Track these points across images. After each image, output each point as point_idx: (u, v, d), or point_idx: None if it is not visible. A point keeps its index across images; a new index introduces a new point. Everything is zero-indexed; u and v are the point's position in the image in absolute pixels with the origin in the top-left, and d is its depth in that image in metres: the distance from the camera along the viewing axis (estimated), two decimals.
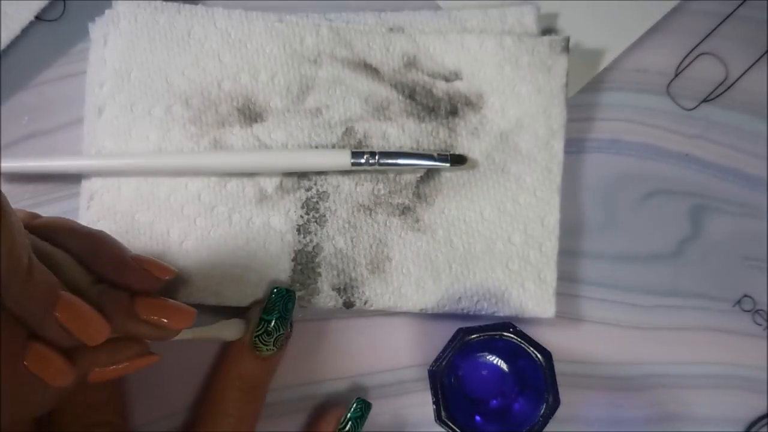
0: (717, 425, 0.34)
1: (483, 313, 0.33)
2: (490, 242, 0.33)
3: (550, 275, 0.33)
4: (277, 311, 0.31)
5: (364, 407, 0.31)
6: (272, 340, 0.30)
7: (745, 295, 0.35)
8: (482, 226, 0.33)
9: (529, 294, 0.33)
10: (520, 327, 0.29)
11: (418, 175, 0.33)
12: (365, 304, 0.33)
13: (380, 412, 0.34)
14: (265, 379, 0.32)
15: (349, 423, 0.31)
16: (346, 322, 0.34)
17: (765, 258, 0.35)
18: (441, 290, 0.33)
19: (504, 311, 0.33)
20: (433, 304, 0.33)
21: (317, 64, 0.33)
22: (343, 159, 0.32)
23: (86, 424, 0.30)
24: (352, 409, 0.31)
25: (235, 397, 0.31)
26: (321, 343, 0.34)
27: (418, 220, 0.33)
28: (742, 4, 0.35)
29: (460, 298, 0.33)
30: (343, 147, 0.33)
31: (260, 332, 0.30)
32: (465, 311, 0.33)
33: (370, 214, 0.33)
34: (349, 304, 0.33)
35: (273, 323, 0.30)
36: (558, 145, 0.33)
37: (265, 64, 0.33)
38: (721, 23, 0.35)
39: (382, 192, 0.33)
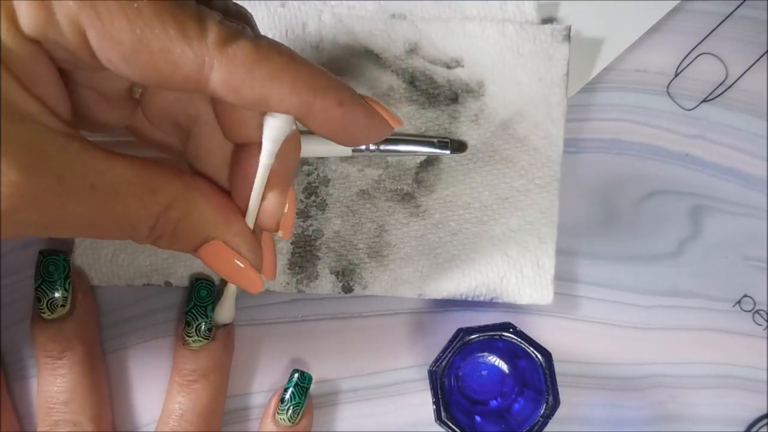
0: (717, 425, 0.34)
1: (481, 299, 0.33)
2: (489, 229, 0.33)
3: (549, 262, 0.33)
4: (191, 301, 0.31)
5: (299, 376, 0.32)
6: (193, 330, 0.31)
7: (745, 295, 0.35)
8: (481, 213, 0.33)
9: (527, 281, 0.33)
10: (520, 325, 0.29)
11: (418, 161, 0.33)
12: (364, 288, 0.33)
13: (380, 412, 0.34)
14: (207, 374, 0.31)
15: (288, 392, 0.31)
16: (346, 322, 0.34)
17: (765, 258, 0.35)
18: (439, 276, 0.33)
19: (502, 298, 0.33)
20: (432, 290, 0.33)
21: (319, 50, 0.33)
22: (344, 147, 0.32)
23: (48, 423, 0.30)
24: (287, 380, 0.32)
25: (175, 392, 0.31)
26: (321, 343, 0.34)
27: (417, 206, 0.33)
28: (742, 4, 0.35)
29: (458, 284, 0.33)
30: None
31: (184, 324, 0.31)
32: (463, 297, 0.33)
33: (371, 200, 0.33)
34: (347, 289, 0.33)
35: (188, 313, 0.31)
36: (558, 133, 0.33)
37: None
38: (721, 23, 0.35)
39: (383, 178, 0.33)
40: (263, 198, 0.24)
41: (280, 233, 0.26)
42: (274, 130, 0.22)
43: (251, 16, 0.22)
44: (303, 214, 0.33)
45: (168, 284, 0.33)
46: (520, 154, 0.33)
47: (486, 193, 0.33)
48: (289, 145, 0.23)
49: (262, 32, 0.32)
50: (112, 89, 0.23)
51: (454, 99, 0.33)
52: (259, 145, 0.23)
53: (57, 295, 0.30)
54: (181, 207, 0.22)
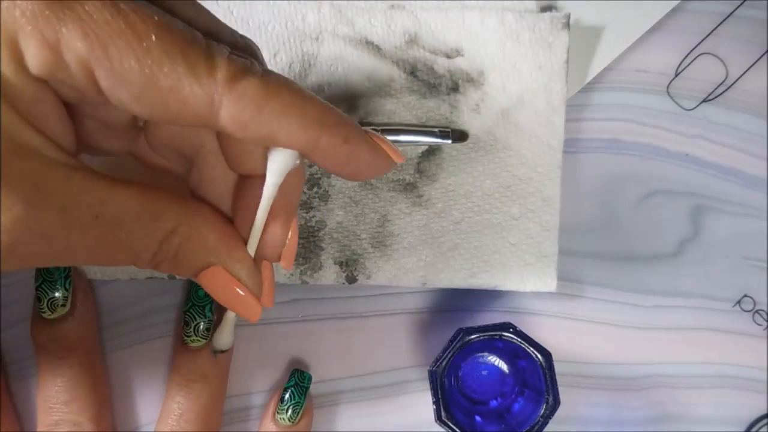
0: (717, 425, 0.34)
1: (484, 287, 0.33)
2: (491, 217, 0.33)
3: (551, 249, 0.33)
4: (190, 301, 0.31)
5: (299, 376, 0.32)
6: (191, 330, 0.31)
7: (745, 295, 0.35)
8: (483, 201, 0.33)
9: (530, 268, 0.33)
10: (521, 325, 0.29)
11: (420, 151, 0.33)
12: (368, 279, 0.33)
13: (380, 412, 0.34)
14: (206, 374, 0.31)
15: (288, 392, 0.32)
16: (346, 322, 0.34)
17: (765, 258, 0.35)
18: (443, 265, 0.33)
19: (506, 286, 0.33)
20: (435, 279, 0.33)
21: (319, 42, 0.33)
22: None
23: (49, 422, 0.30)
24: (287, 380, 0.32)
25: (174, 392, 0.31)
26: (321, 343, 0.34)
27: (420, 196, 0.33)
28: (742, 4, 0.35)
29: (461, 272, 0.33)
30: None
31: (183, 324, 0.31)
32: (466, 286, 0.33)
33: (373, 190, 0.33)
34: (351, 279, 0.33)
35: (187, 313, 0.31)
36: (559, 121, 0.33)
37: (267, 42, 0.33)
38: (721, 23, 0.35)
39: None
40: (265, 229, 0.24)
41: (282, 264, 0.25)
42: (279, 163, 0.22)
43: (258, 48, 0.22)
44: (306, 206, 0.33)
45: (171, 277, 0.33)
46: (521, 143, 0.33)
47: (488, 182, 0.33)
48: (293, 177, 0.23)
49: (262, 25, 0.33)
50: (116, 120, 0.23)
51: (455, 88, 0.33)
52: (263, 176, 0.23)
53: (57, 294, 0.30)
54: (184, 232, 0.22)
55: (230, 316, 0.28)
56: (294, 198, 0.24)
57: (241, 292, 0.23)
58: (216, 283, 0.23)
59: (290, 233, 0.25)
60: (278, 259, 0.25)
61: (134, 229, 0.21)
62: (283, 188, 0.23)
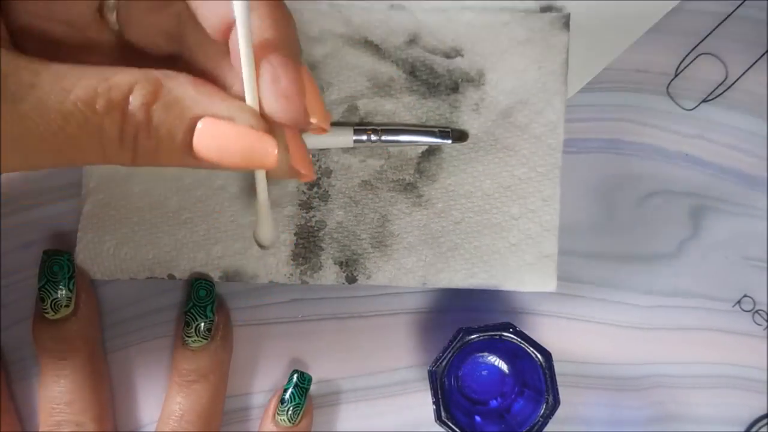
0: (717, 425, 0.34)
1: (484, 287, 0.33)
2: (491, 217, 0.33)
3: (551, 249, 0.33)
4: (190, 301, 0.31)
5: (299, 377, 0.32)
6: (192, 330, 0.31)
7: (745, 295, 0.35)
8: (483, 201, 0.33)
9: (530, 268, 0.33)
10: (521, 325, 0.29)
11: (420, 151, 0.33)
12: (368, 279, 0.33)
13: (380, 412, 0.34)
14: (206, 375, 0.31)
15: (288, 392, 0.32)
16: (346, 322, 0.34)
17: (765, 258, 0.35)
18: (443, 265, 0.33)
19: (505, 285, 0.33)
20: (435, 279, 0.33)
21: (318, 42, 0.33)
22: (346, 137, 0.32)
23: (51, 423, 0.30)
24: (287, 380, 0.32)
25: (175, 392, 0.31)
26: (321, 343, 0.34)
27: (420, 196, 0.33)
28: (742, 4, 0.35)
29: (461, 272, 0.33)
30: (346, 125, 0.33)
31: (183, 324, 0.31)
32: (466, 286, 0.33)
33: (373, 190, 0.33)
34: (351, 279, 0.33)
35: (188, 313, 0.31)
36: (559, 121, 0.33)
37: None
38: (721, 23, 0.35)
39: (385, 168, 0.33)
40: (265, 74, 0.20)
41: (314, 120, 0.22)
42: None
43: None
44: (306, 206, 0.33)
45: (171, 277, 0.33)
46: (521, 143, 0.33)
47: (488, 182, 0.33)
48: (270, 8, 0.20)
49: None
50: (79, 16, 0.22)
51: (455, 88, 0.33)
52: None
53: (61, 295, 0.30)
54: (150, 90, 0.19)
55: (262, 205, 0.25)
56: (283, 32, 0.21)
57: (243, 133, 0.20)
58: (212, 135, 0.20)
59: (306, 81, 0.21)
60: (299, 114, 0.21)
61: (80, 91, 0.19)
62: (264, 19, 0.20)
